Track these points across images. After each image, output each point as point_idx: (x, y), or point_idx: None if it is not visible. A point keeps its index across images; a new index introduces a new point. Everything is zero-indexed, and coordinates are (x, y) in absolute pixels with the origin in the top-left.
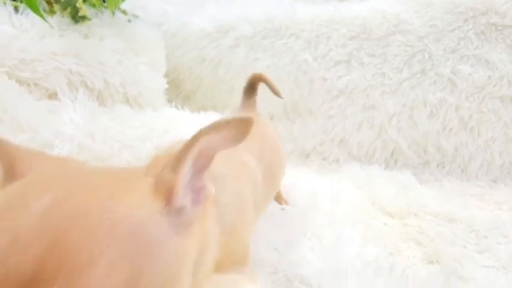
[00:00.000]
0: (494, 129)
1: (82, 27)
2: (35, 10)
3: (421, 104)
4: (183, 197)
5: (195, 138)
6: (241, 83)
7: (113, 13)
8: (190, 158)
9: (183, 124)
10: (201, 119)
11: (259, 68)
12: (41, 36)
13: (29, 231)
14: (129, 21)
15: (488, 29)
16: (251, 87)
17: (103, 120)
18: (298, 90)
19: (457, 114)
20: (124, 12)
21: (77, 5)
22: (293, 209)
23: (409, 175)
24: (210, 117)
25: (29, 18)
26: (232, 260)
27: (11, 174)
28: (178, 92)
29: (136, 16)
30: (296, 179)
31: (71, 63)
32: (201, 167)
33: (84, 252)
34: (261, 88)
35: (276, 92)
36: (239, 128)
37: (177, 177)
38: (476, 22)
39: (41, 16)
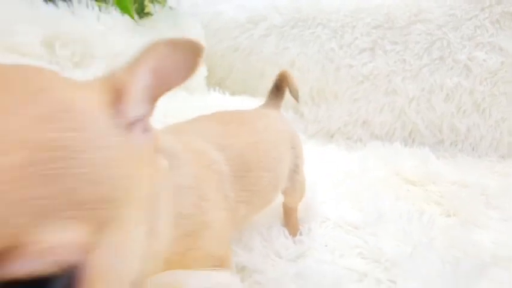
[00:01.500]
0: (504, 111)
1: (147, 21)
2: (127, 11)
3: (439, 88)
4: (134, 106)
5: (152, 47)
6: (272, 70)
7: (165, 7)
8: (147, 65)
9: (228, 105)
10: (239, 101)
11: (289, 56)
12: (124, 31)
13: None
14: (170, 8)
15: (503, 18)
16: (277, 86)
17: (165, 100)
18: (324, 77)
19: (471, 98)
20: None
21: (145, 2)
22: (331, 178)
23: (427, 151)
24: (245, 100)
25: (111, 17)
26: (206, 263)
27: None
28: (210, 78)
29: (171, 8)
30: (326, 155)
31: None
32: (154, 93)
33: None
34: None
35: (293, 93)
36: (191, 50)
37: (131, 77)
38: (492, 11)
39: (132, 16)
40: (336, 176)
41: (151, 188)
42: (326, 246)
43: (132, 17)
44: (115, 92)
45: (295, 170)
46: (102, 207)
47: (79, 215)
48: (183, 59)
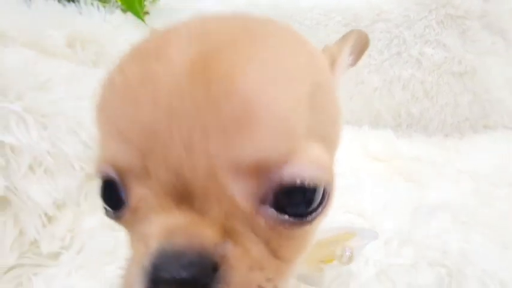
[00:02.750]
0: (447, 97)
1: (145, 20)
2: (136, 12)
3: (397, 79)
4: (339, 69)
5: (350, 33)
6: None
7: (156, 5)
8: (348, 45)
9: None
10: None
11: None
12: (128, 30)
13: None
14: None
15: (446, 19)
16: None
17: None
18: None
19: (422, 87)
20: None
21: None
22: None
23: (389, 133)
24: None
25: (115, 17)
26: None
27: None
28: None
29: (153, 2)
30: None
31: None
32: (350, 61)
33: (289, 42)
34: None
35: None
36: (366, 39)
37: (341, 52)
38: (437, 13)
39: (141, 18)
40: None
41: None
42: None
43: (141, 18)
44: (332, 60)
45: None
46: (335, 140)
47: (327, 144)
48: (362, 43)
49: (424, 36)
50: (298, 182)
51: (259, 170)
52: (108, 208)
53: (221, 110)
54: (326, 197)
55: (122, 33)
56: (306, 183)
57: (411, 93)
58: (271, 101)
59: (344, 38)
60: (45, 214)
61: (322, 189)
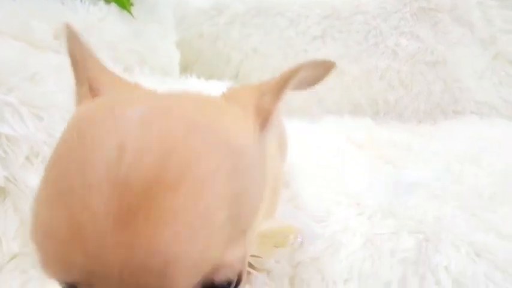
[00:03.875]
0: (420, 85)
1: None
2: (122, 4)
3: (374, 69)
4: (273, 124)
5: (296, 70)
6: (237, 55)
7: None
8: (289, 89)
9: (202, 89)
10: (212, 85)
11: (253, 43)
12: (112, 21)
13: (136, 138)
14: None
15: (419, 11)
16: None
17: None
18: (284, 62)
19: (398, 76)
20: None
21: None
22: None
23: (368, 120)
24: (220, 85)
25: (99, 8)
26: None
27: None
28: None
29: None
30: (292, 129)
31: (136, 45)
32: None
33: (204, 163)
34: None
35: None
36: (325, 67)
37: (276, 104)
38: (411, 6)
39: (128, 9)
40: (303, 145)
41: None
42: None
43: (128, 10)
44: (263, 120)
45: None
46: (254, 219)
47: (242, 234)
48: (315, 75)
49: (400, 28)
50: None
51: None
52: None
53: (144, 262)
54: (239, 280)
55: (107, 25)
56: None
57: (388, 82)
58: (187, 251)
59: (282, 79)
60: None
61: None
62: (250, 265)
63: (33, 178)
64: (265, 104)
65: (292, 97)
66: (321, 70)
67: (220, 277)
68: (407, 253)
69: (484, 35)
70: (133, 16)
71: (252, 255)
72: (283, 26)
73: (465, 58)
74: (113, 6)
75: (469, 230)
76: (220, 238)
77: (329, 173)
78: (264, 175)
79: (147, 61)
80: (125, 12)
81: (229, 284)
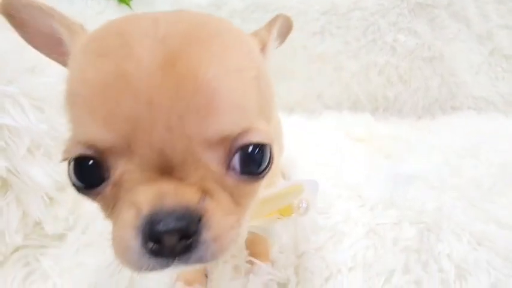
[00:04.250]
0: (419, 81)
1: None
2: (124, 0)
3: (373, 65)
4: (270, 53)
5: (277, 16)
6: None
7: None
8: (276, 27)
9: None
10: None
11: None
12: (111, 15)
13: (167, 17)
14: None
15: (417, 7)
16: None
17: None
18: (283, 57)
19: (396, 72)
20: None
21: None
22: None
23: (367, 116)
24: None
25: (98, 2)
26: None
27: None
28: None
29: None
30: (291, 125)
31: None
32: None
33: (232, 34)
34: None
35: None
36: (290, 23)
37: (270, 37)
38: (409, 2)
39: (127, 2)
40: (303, 141)
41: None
42: None
43: (127, 3)
44: (262, 45)
45: None
46: (271, 114)
47: (267, 119)
48: (287, 27)
49: (398, 24)
50: (252, 145)
51: (224, 142)
52: (79, 185)
53: (191, 99)
54: (271, 159)
55: (106, 18)
56: (257, 146)
57: (386, 78)
58: (228, 90)
59: (270, 22)
60: (47, 195)
61: (269, 152)
62: (255, 255)
63: (35, 170)
64: (263, 36)
65: (291, 93)
66: (289, 25)
67: (256, 138)
68: (410, 242)
69: (480, 30)
70: (132, 9)
71: (258, 225)
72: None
73: (462, 53)
74: (111, 0)
75: (469, 220)
76: (251, 97)
77: (329, 167)
78: (271, 84)
79: None
80: (124, 5)
81: (262, 152)
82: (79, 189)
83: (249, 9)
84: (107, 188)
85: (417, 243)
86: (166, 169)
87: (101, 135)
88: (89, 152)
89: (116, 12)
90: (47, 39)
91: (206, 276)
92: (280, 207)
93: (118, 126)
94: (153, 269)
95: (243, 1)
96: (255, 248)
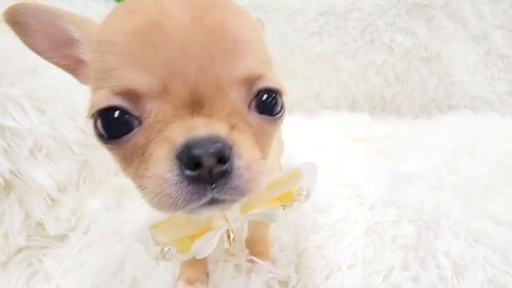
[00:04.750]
0: (416, 81)
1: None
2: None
3: (371, 65)
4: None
5: None
6: None
7: None
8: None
9: None
10: None
11: None
12: None
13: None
14: None
15: (414, 8)
16: None
17: None
18: (282, 57)
19: (394, 72)
20: None
21: None
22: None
23: (365, 115)
24: None
25: (97, 3)
26: None
27: None
28: None
29: None
30: (291, 124)
31: None
32: None
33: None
34: None
35: None
36: None
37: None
38: (406, 2)
39: None
40: (303, 141)
41: None
42: None
43: None
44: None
45: None
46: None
47: (272, 71)
48: None
49: (395, 24)
50: (269, 89)
51: (247, 82)
52: (107, 136)
53: (220, 43)
54: (284, 106)
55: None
56: (273, 90)
57: (384, 78)
58: (248, 39)
59: None
60: (49, 196)
61: (281, 99)
62: (255, 254)
63: (38, 172)
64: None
65: (291, 93)
66: None
67: (271, 83)
68: (408, 239)
69: (476, 30)
70: None
71: (261, 213)
72: (281, 22)
73: (458, 53)
74: (111, 1)
75: (467, 218)
76: (264, 50)
77: (329, 167)
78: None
79: None
80: None
81: (275, 99)
82: (106, 141)
83: (247, 9)
84: (136, 135)
85: (415, 241)
86: (197, 107)
87: (140, 79)
88: (119, 102)
89: None
90: (53, 41)
91: (207, 275)
92: (282, 193)
93: (156, 70)
94: (190, 201)
95: (241, 2)
96: (255, 247)
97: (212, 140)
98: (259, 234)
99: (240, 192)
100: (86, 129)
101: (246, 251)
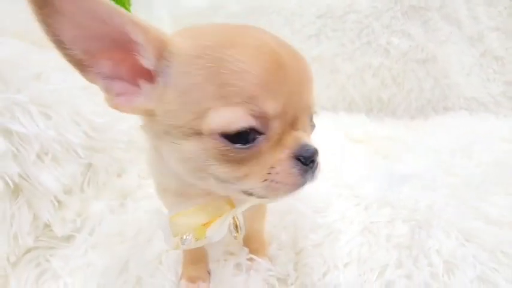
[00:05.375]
0: (412, 83)
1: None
2: (122, 3)
3: (368, 67)
4: None
5: None
6: None
7: None
8: None
9: None
10: None
11: None
12: None
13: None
14: None
15: (410, 10)
16: None
17: None
18: None
19: (390, 74)
20: None
21: None
22: None
23: (363, 117)
24: None
25: None
26: None
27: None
28: None
29: None
30: None
31: None
32: None
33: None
34: None
35: None
36: None
37: None
38: (402, 5)
39: (127, 9)
40: None
41: None
42: None
43: (128, 9)
44: None
45: None
46: None
47: None
48: None
49: (391, 26)
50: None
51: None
52: (242, 147)
53: (307, 83)
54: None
55: None
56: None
57: (381, 80)
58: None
59: None
60: (56, 199)
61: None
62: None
63: (45, 175)
64: None
65: None
66: None
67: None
68: (402, 238)
69: (471, 32)
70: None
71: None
72: (279, 24)
73: (454, 55)
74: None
75: (459, 217)
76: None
77: (329, 167)
78: None
79: None
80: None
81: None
82: (239, 149)
83: (245, 12)
84: (261, 143)
85: (409, 240)
86: (293, 124)
87: (274, 107)
88: (253, 123)
89: None
90: (86, 34)
91: (209, 273)
92: None
93: (281, 100)
94: (302, 184)
95: (240, 4)
96: (252, 245)
97: (310, 145)
98: (254, 231)
99: (315, 179)
100: (89, 133)
101: (246, 249)
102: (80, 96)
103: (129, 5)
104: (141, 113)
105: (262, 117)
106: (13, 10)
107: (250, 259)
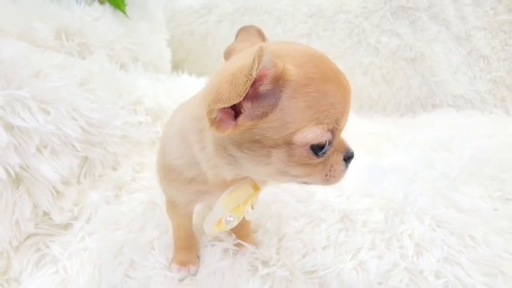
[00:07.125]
0: (401, 81)
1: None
2: (117, 5)
3: (358, 66)
4: None
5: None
6: None
7: None
8: None
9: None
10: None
11: None
12: (109, 22)
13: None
14: None
15: (399, 10)
16: None
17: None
18: None
19: (380, 72)
20: None
21: None
22: None
23: (352, 114)
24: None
25: (94, 8)
26: None
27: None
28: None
29: None
30: None
31: (129, 43)
32: None
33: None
34: None
35: None
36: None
37: None
38: (391, 5)
39: (122, 9)
40: None
41: None
42: None
43: (123, 10)
44: None
45: None
46: None
47: None
48: None
49: (381, 26)
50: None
51: None
52: (321, 154)
53: (350, 98)
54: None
55: (102, 24)
56: None
57: (371, 78)
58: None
59: None
60: (54, 189)
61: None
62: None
63: (44, 166)
64: None
65: None
66: None
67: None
68: (377, 224)
69: (459, 31)
70: (127, 16)
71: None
72: (271, 24)
73: (441, 54)
74: (107, 7)
75: (432, 205)
76: None
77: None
78: None
79: (139, 58)
80: (118, 11)
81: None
82: (318, 156)
83: (239, 11)
84: (329, 150)
85: (383, 226)
86: (340, 132)
87: (343, 122)
88: (330, 137)
89: (112, 19)
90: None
91: (198, 258)
92: None
93: (345, 113)
94: (344, 176)
95: (233, 4)
96: (240, 231)
97: (351, 148)
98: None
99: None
100: (86, 128)
101: (233, 236)
102: (77, 93)
103: (124, 4)
104: (236, 130)
105: (334, 131)
106: (14, 12)
107: (238, 244)
